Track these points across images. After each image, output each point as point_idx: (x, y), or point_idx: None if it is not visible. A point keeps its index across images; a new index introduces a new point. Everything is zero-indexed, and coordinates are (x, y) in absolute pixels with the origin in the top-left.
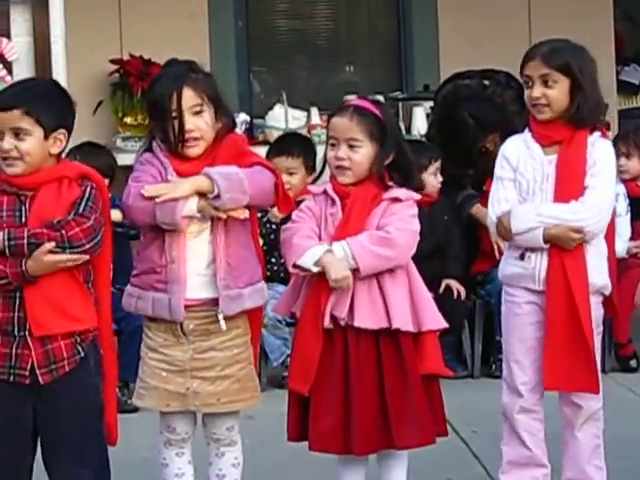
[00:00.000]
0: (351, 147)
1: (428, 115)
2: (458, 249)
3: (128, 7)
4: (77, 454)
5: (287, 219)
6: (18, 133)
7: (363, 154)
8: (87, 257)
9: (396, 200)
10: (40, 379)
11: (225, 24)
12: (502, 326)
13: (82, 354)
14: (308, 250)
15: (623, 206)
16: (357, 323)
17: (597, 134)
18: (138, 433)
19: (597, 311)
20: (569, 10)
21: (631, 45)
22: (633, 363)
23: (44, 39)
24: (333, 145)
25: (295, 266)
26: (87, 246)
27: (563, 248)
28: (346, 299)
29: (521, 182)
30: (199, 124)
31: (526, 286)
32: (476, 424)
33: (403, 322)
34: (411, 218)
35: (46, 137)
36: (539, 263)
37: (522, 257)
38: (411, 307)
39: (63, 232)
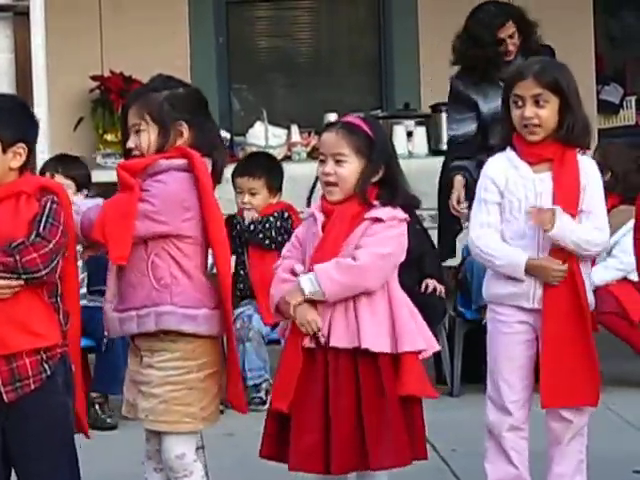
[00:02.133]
0: (337, 162)
1: (409, 133)
2: (427, 247)
3: (109, 24)
4: (47, 471)
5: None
6: None
7: (349, 169)
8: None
9: (378, 220)
10: (4, 397)
11: (206, 41)
12: (488, 344)
13: (48, 372)
14: (281, 296)
15: None
16: (333, 342)
17: (580, 153)
18: (119, 450)
19: None
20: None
21: (611, 64)
22: None
23: (25, 55)
24: (322, 161)
25: (277, 312)
26: (43, 272)
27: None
28: (325, 319)
29: (512, 201)
30: (137, 142)
31: (518, 304)
32: (455, 442)
33: (373, 343)
34: (389, 240)
35: (4, 151)
36: (534, 280)
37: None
38: (390, 328)
39: (17, 257)
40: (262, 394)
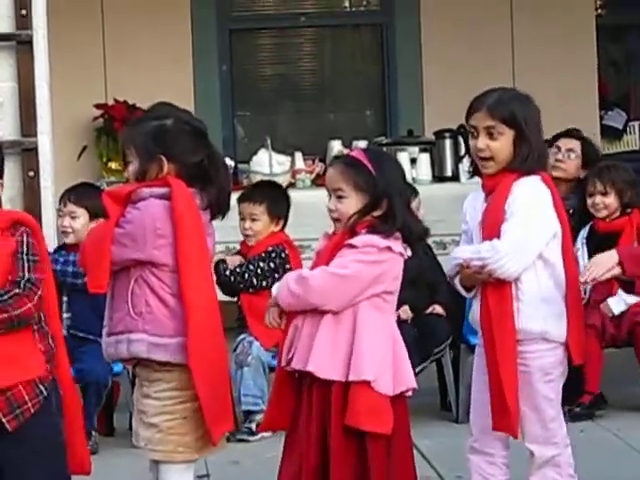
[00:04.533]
0: (339, 198)
1: (412, 160)
2: (439, 275)
3: (113, 52)
4: None
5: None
6: None
7: (348, 204)
8: None
9: (351, 246)
10: (7, 426)
11: (209, 69)
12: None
13: (45, 393)
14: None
15: (579, 243)
16: (293, 364)
17: (524, 178)
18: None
19: (545, 359)
20: (553, 58)
21: (615, 90)
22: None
23: (29, 84)
24: (330, 196)
25: None
26: (35, 314)
27: (491, 292)
28: (295, 339)
29: (467, 230)
30: (128, 174)
31: (477, 329)
32: (461, 469)
33: (318, 368)
34: (353, 263)
35: None
36: (477, 308)
37: (470, 305)
38: (346, 355)
39: (13, 312)
40: (253, 425)
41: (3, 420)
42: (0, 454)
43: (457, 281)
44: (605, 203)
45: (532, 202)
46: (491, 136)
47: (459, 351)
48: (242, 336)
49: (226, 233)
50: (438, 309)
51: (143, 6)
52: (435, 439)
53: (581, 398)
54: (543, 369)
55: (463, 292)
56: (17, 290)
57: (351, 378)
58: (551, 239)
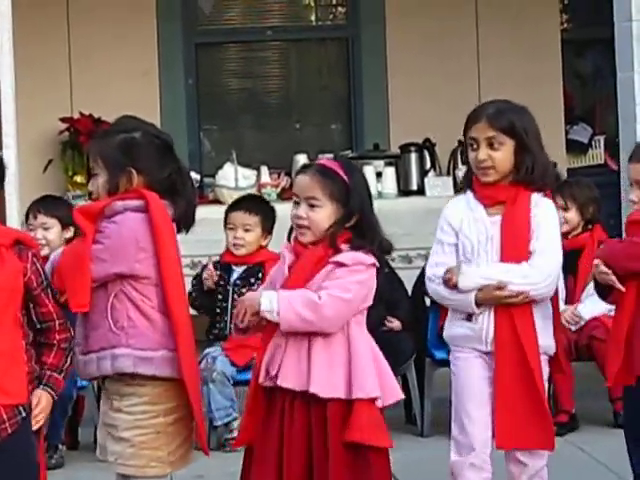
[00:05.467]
0: (311, 206)
1: (378, 174)
2: (399, 290)
3: (78, 65)
4: None
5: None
6: None
7: (322, 214)
8: None
9: (341, 265)
10: None
11: (175, 82)
12: (453, 386)
13: (23, 414)
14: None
15: None
16: (280, 382)
17: (539, 194)
18: None
19: (544, 371)
20: (518, 71)
21: (580, 104)
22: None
23: None
24: (297, 203)
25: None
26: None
27: (510, 309)
28: (279, 356)
29: (465, 244)
30: (94, 187)
31: (474, 347)
32: None
33: (322, 388)
34: (352, 285)
35: None
36: (486, 324)
37: (469, 318)
38: (346, 373)
39: (69, 361)
40: (235, 434)
41: None
42: None
43: (472, 297)
44: (566, 218)
45: (555, 225)
46: (492, 146)
47: (423, 365)
48: (206, 351)
49: (191, 247)
50: (396, 324)
51: (109, 19)
52: (400, 452)
53: (557, 416)
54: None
55: (474, 308)
56: (71, 333)
57: (359, 395)
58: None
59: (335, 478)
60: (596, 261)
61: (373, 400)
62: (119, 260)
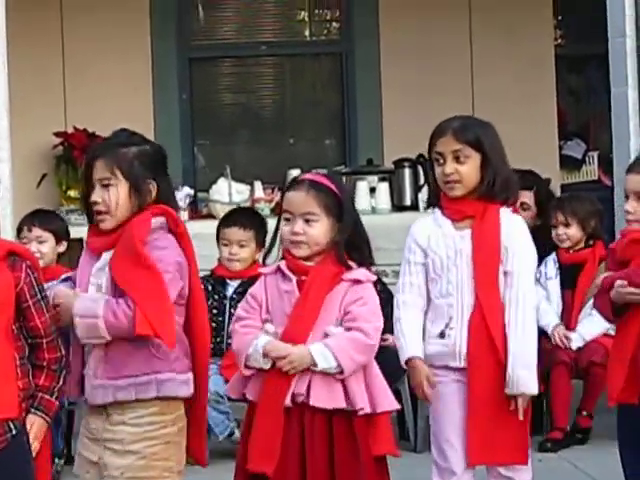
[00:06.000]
0: (307, 222)
1: (372, 189)
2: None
3: (73, 80)
4: None
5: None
6: None
7: (319, 229)
8: None
9: (357, 282)
10: None
11: (169, 98)
12: (431, 411)
13: (14, 432)
14: (251, 348)
15: (553, 270)
16: (312, 402)
17: (508, 209)
18: None
19: None
20: (512, 87)
21: (574, 120)
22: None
23: None
24: (288, 220)
25: (247, 367)
26: (26, 349)
27: (487, 322)
28: (306, 378)
29: (434, 260)
30: (105, 197)
31: (447, 364)
32: None
33: (363, 403)
34: (377, 307)
35: None
36: (459, 339)
37: (442, 335)
38: (365, 387)
39: (60, 381)
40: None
41: None
42: None
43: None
44: (568, 234)
45: (529, 240)
46: (458, 160)
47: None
48: None
49: None
50: (391, 340)
51: (103, 34)
52: (394, 468)
53: (551, 433)
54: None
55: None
56: (62, 352)
57: (385, 409)
58: None
59: None
60: (620, 282)
61: (391, 412)
62: (174, 286)
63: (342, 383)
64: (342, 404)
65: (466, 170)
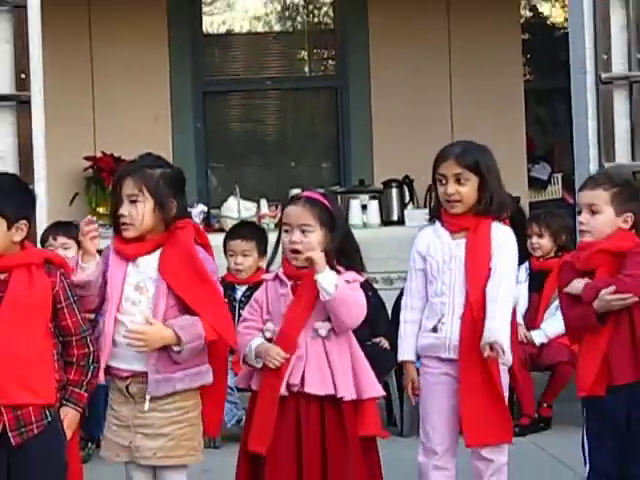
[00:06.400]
0: (303, 232)
1: (363, 206)
2: (379, 310)
3: (101, 111)
4: None
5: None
6: None
7: (314, 238)
8: None
9: (345, 282)
10: (12, 440)
11: (185, 126)
12: (421, 398)
13: (49, 418)
14: (247, 348)
15: (524, 275)
16: (307, 389)
17: (499, 223)
18: None
19: (504, 380)
20: (486, 118)
21: (541, 146)
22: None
23: (26, 139)
24: (287, 231)
25: (245, 362)
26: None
27: (476, 319)
28: (300, 368)
29: (431, 264)
30: (132, 211)
31: (438, 355)
32: (405, 478)
33: (347, 392)
34: (363, 299)
35: (9, 227)
36: (449, 333)
37: (435, 329)
38: (353, 376)
39: (89, 375)
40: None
41: (9, 434)
42: (7, 465)
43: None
44: (540, 244)
45: (514, 250)
46: (459, 182)
47: (402, 372)
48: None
49: None
50: (384, 343)
51: (128, 71)
52: (384, 449)
53: (521, 419)
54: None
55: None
56: (90, 349)
57: (371, 395)
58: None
59: (355, 465)
60: (606, 290)
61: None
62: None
63: (331, 372)
64: (332, 391)
65: (466, 191)
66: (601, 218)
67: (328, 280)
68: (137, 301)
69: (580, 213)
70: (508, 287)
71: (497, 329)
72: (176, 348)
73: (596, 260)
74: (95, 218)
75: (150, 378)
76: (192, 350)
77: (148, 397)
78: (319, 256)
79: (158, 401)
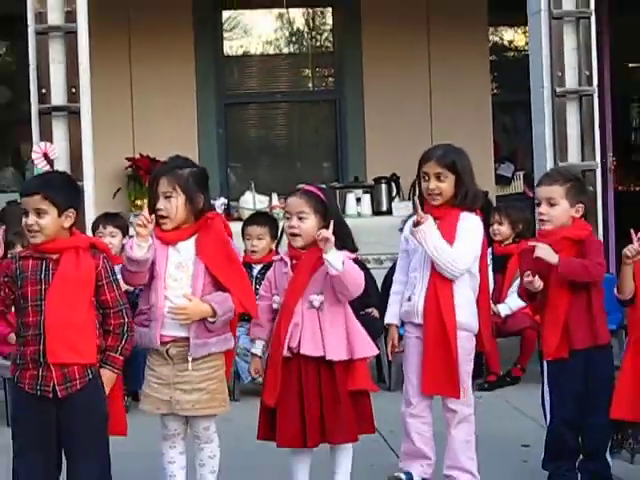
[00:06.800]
0: (300, 219)
1: (358, 199)
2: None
3: (139, 119)
4: (88, 452)
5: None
6: (39, 212)
7: (309, 224)
8: None
9: None
10: (59, 393)
11: (209, 132)
12: (403, 358)
13: (90, 376)
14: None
15: (488, 259)
16: (302, 351)
17: (468, 212)
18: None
19: (466, 343)
20: (461, 125)
21: (506, 148)
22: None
23: (77, 143)
24: (288, 218)
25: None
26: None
27: (437, 291)
28: (297, 334)
29: (410, 245)
30: (167, 206)
31: (411, 321)
32: (392, 425)
33: (334, 354)
34: (359, 270)
35: (59, 215)
36: (418, 301)
37: (409, 299)
38: (346, 338)
39: (124, 342)
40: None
41: (57, 388)
42: (56, 415)
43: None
44: (499, 230)
45: (474, 232)
46: (439, 179)
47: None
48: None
49: None
50: (375, 312)
51: (161, 86)
52: (373, 402)
53: (488, 377)
54: (466, 351)
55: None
56: (125, 319)
57: (360, 356)
58: (475, 259)
59: (345, 413)
60: (528, 274)
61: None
62: None
63: (322, 337)
64: (322, 353)
65: (445, 186)
66: (558, 209)
67: (337, 258)
68: (179, 278)
69: (539, 205)
70: (463, 245)
71: (429, 231)
72: (211, 319)
73: (560, 246)
74: (151, 219)
75: (192, 343)
76: (224, 321)
77: (190, 358)
78: (331, 237)
79: (195, 362)
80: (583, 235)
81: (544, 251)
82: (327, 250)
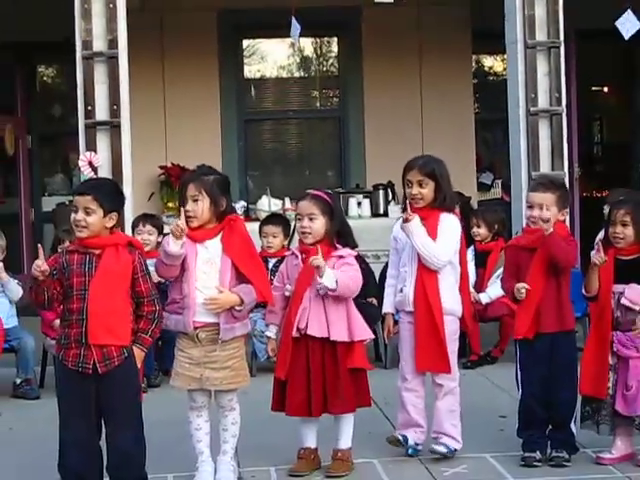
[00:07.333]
0: (311, 219)
1: (359, 203)
2: (369, 276)
3: (171, 133)
4: (125, 420)
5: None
6: (87, 210)
7: (318, 224)
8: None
9: (341, 257)
10: (99, 370)
11: (231, 144)
12: (398, 338)
13: (126, 354)
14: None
15: (470, 256)
16: (309, 332)
17: (446, 214)
18: (169, 403)
19: (451, 326)
20: (448, 139)
21: (486, 159)
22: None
23: (117, 153)
24: (299, 219)
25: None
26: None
27: (424, 281)
28: (305, 317)
29: (400, 243)
30: (195, 208)
31: (404, 309)
32: (388, 397)
33: (338, 335)
34: (355, 270)
35: (104, 215)
36: (409, 292)
37: (402, 290)
38: (347, 322)
39: (154, 325)
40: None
41: (97, 365)
42: (96, 389)
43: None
44: (478, 232)
45: (452, 229)
46: (421, 185)
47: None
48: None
49: None
50: (374, 301)
51: (190, 106)
52: (371, 379)
53: (471, 357)
54: (451, 332)
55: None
56: (157, 307)
57: (361, 337)
58: (455, 252)
59: (345, 388)
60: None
61: (364, 340)
62: None
63: (327, 320)
64: (326, 334)
65: (426, 192)
66: (549, 213)
67: (330, 279)
68: (207, 271)
69: (531, 208)
70: (444, 241)
71: (415, 224)
72: (238, 308)
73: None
74: (184, 228)
75: (221, 327)
76: (248, 309)
77: (220, 341)
78: (323, 264)
79: (223, 344)
80: (562, 234)
81: (547, 225)
82: (321, 275)
